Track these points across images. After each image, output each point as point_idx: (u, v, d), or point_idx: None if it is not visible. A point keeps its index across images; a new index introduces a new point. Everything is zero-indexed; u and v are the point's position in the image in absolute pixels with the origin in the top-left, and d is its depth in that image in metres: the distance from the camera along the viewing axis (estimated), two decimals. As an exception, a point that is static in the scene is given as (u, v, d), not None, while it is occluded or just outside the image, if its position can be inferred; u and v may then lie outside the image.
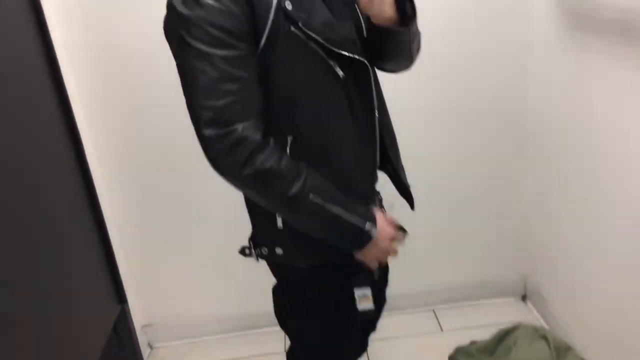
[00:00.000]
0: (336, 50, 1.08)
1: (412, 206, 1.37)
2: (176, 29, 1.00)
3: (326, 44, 1.07)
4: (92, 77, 1.97)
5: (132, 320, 2.08)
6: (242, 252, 1.29)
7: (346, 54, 1.10)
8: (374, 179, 1.28)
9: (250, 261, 1.29)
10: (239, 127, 1.00)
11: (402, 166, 1.35)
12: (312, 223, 1.12)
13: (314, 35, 1.05)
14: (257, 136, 1.02)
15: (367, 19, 1.17)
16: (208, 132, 1.00)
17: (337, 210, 1.10)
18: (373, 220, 1.15)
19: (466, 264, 2.43)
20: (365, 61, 1.14)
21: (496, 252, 2.42)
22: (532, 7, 2.03)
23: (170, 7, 1.02)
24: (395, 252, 1.23)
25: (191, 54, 0.98)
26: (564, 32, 1.89)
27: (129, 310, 2.02)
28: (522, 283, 2.49)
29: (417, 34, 1.21)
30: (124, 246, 2.19)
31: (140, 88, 2.00)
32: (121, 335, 1.97)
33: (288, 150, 1.09)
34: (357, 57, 1.12)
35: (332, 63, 1.09)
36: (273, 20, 1.01)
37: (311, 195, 1.06)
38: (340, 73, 1.10)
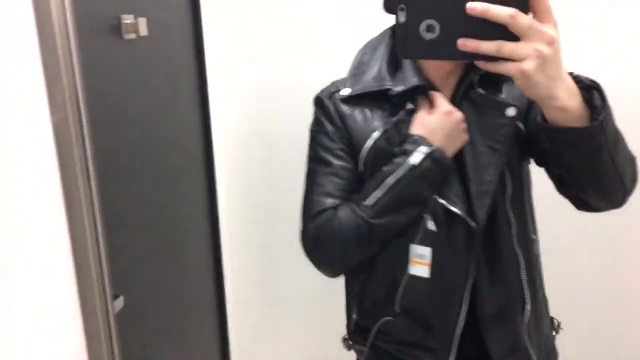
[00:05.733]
0: (440, 201, 1.00)
1: None
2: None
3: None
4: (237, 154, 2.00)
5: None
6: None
7: (454, 210, 0.99)
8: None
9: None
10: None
11: None
12: (398, 216, 1.01)
13: None
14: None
15: (542, 117, 0.85)
16: None
17: (390, 194, 0.99)
18: (411, 140, 0.99)
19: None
20: (470, 220, 1.00)
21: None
22: None
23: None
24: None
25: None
26: None
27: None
28: None
29: (617, 138, 0.87)
30: (237, 322, 2.15)
31: (284, 171, 2.01)
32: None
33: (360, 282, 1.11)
34: (459, 212, 1.00)
35: (425, 215, 1.01)
36: (367, 156, 1.03)
37: (373, 220, 1.00)
38: (432, 227, 1.01)
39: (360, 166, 1.04)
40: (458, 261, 1.02)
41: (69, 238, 0.89)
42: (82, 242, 0.89)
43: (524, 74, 0.74)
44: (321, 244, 1.02)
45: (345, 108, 1.05)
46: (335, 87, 1.08)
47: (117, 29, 1.23)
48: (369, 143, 1.02)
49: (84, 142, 0.84)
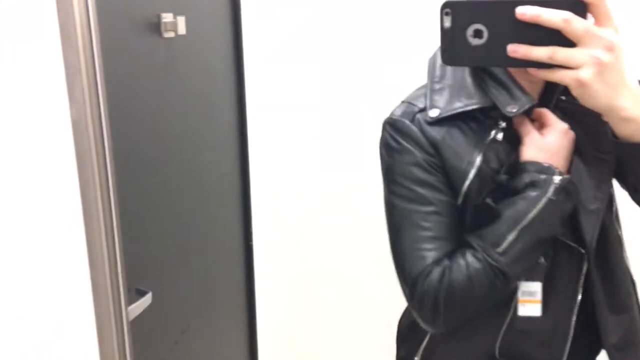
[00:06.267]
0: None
1: None
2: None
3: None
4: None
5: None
6: None
7: (561, 238, 0.87)
8: None
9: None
10: None
11: None
12: (531, 260, 0.86)
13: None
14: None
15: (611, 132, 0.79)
16: None
17: (518, 232, 0.82)
18: (536, 168, 0.83)
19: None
20: (577, 246, 0.88)
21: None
22: None
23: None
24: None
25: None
26: None
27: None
28: None
29: None
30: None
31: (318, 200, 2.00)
32: None
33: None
34: (565, 240, 0.88)
35: None
36: (469, 188, 0.86)
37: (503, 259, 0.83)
38: (541, 259, 0.88)
39: (459, 199, 0.88)
40: (565, 291, 0.91)
41: (85, 238, 0.89)
42: (96, 244, 0.89)
43: (581, 83, 0.69)
44: (445, 307, 0.84)
45: (434, 132, 0.87)
46: (413, 106, 0.90)
47: (156, 27, 1.24)
48: (472, 172, 0.86)
49: (102, 139, 0.84)
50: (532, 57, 0.70)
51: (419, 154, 0.87)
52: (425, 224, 0.87)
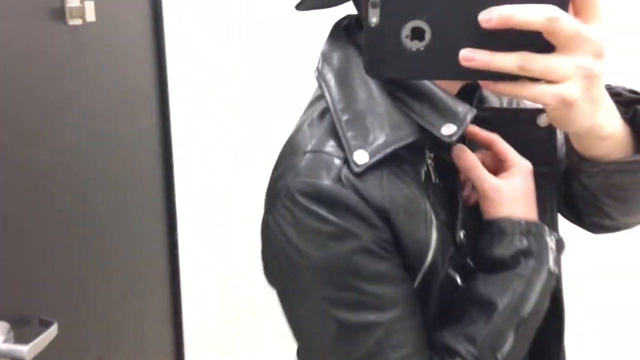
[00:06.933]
0: None
1: None
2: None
3: None
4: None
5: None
6: None
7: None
8: None
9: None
10: None
11: None
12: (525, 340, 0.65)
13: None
14: None
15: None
16: None
17: (509, 322, 0.62)
18: (520, 229, 0.64)
19: None
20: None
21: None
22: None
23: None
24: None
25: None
26: None
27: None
28: None
29: None
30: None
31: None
32: None
33: None
34: None
35: None
36: (433, 258, 0.63)
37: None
38: None
39: (417, 278, 0.63)
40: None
41: None
42: None
43: (566, 102, 0.50)
44: None
45: (376, 193, 0.60)
46: (329, 157, 0.61)
47: (59, 12, 1.10)
48: (434, 237, 0.62)
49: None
50: (495, 67, 0.50)
51: (365, 235, 0.59)
52: (394, 339, 0.61)
